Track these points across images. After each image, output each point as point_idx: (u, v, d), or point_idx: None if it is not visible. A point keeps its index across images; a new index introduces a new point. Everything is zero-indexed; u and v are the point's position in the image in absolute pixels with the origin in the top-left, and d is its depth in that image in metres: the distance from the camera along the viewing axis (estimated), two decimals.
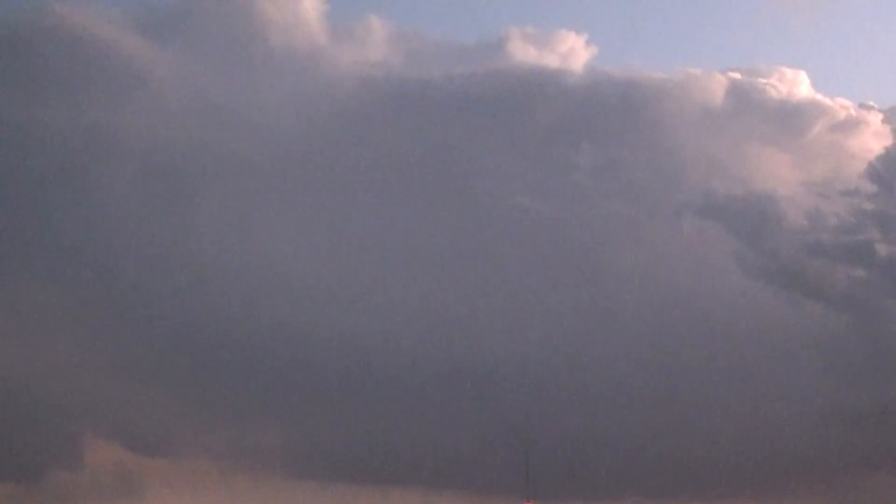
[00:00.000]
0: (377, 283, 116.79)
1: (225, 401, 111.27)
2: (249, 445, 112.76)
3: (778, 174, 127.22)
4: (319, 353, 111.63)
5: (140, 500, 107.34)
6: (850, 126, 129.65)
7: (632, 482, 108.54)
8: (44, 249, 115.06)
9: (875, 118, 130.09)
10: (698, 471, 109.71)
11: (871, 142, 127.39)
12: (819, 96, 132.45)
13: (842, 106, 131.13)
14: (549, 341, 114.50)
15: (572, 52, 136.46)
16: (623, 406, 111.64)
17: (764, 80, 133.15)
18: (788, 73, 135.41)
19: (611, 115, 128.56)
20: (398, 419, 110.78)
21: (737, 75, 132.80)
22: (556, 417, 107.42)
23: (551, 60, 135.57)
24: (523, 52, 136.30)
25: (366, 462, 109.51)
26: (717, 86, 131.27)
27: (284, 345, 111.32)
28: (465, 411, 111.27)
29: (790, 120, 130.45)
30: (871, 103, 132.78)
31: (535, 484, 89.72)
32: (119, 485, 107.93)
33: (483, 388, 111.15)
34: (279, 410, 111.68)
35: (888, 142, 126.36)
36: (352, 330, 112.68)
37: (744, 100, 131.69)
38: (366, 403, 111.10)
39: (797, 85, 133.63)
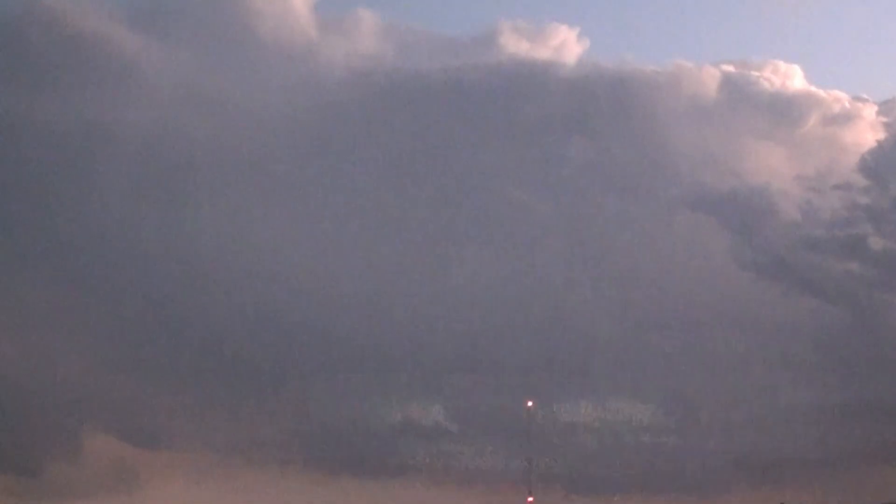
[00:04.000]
0: (371, 277, 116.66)
1: (224, 394, 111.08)
2: (249, 438, 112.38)
3: (771, 168, 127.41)
4: (318, 346, 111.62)
5: (139, 493, 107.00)
6: (844, 119, 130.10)
7: (629, 478, 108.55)
8: (41, 245, 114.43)
9: (870, 111, 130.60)
10: (693, 465, 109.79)
11: (865, 135, 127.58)
12: (813, 89, 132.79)
13: (836, 99, 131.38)
14: (542, 337, 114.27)
15: (564, 45, 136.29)
16: (619, 403, 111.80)
17: (757, 73, 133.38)
18: (782, 65, 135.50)
19: (603, 108, 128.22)
20: (398, 414, 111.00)
21: (730, 68, 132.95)
22: (556, 413, 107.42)
23: (543, 53, 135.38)
24: (515, 45, 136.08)
25: (366, 455, 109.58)
26: (710, 79, 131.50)
27: (283, 338, 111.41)
28: (464, 407, 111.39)
29: (784, 113, 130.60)
30: (866, 96, 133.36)
31: (537, 480, 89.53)
32: (118, 477, 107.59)
33: (481, 385, 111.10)
34: (279, 404, 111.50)
35: (882, 135, 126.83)
36: (350, 323, 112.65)
37: (737, 93, 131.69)
38: (365, 397, 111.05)
39: (791, 78, 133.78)
